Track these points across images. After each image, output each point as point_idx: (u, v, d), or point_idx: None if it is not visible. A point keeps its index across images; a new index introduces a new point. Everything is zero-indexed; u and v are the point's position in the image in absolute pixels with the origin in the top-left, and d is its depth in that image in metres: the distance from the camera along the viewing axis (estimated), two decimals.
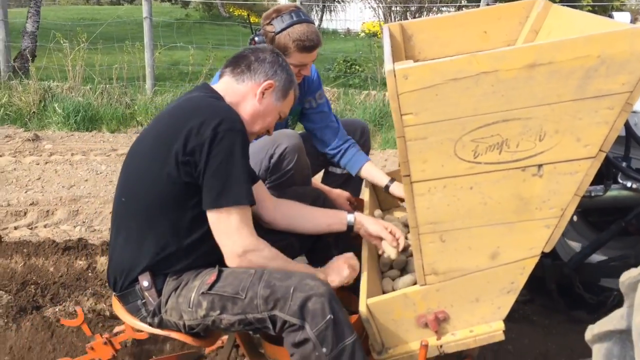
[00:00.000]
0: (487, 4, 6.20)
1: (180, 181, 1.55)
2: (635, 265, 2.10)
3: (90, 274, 2.98)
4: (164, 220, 1.59)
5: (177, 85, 6.71)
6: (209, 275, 1.57)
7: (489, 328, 1.62)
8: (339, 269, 1.74)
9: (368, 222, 1.94)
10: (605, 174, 1.96)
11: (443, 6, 7.85)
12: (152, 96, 6.46)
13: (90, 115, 5.96)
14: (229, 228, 1.55)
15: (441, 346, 1.64)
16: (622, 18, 2.18)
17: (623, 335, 1.22)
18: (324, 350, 1.46)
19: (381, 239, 1.90)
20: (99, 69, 6.53)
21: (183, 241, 1.60)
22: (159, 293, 1.60)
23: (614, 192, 1.96)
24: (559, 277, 2.27)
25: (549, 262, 2.22)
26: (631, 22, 2.10)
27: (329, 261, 1.79)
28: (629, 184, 1.92)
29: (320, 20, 10.85)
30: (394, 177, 2.40)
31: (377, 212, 2.33)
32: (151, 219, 1.60)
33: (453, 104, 1.38)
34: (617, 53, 1.31)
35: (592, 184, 1.59)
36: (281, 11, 2.24)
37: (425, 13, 8.19)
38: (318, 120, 2.52)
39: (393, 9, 8.06)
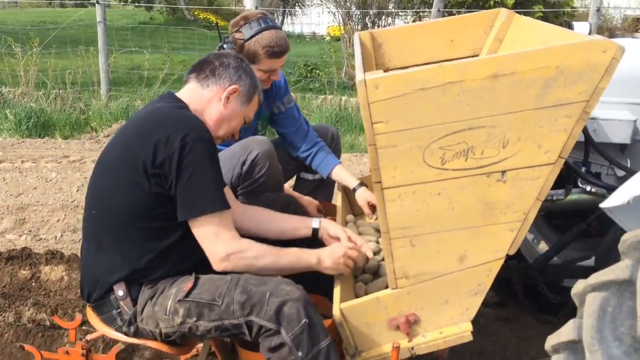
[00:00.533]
0: (439, 10, 6.32)
1: (151, 192, 1.57)
2: (597, 267, 2.19)
3: (34, 284, 2.95)
4: (136, 230, 1.60)
5: (133, 90, 6.65)
6: (185, 283, 1.59)
7: (458, 329, 1.67)
8: (336, 259, 1.74)
9: (332, 228, 1.95)
10: (566, 178, 2.04)
11: (401, 11, 7.97)
12: (106, 101, 6.40)
13: (43, 121, 5.88)
14: (208, 235, 1.58)
15: (412, 348, 1.68)
16: (581, 29, 2.27)
17: (577, 345, 1.30)
18: (300, 354, 1.49)
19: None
20: (53, 74, 6.43)
21: (156, 250, 1.62)
22: (134, 302, 1.61)
23: (574, 195, 2.04)
24: (525, 278, 2.35)
25: (514, 263, 2.29)
26: (590, 33, 2.19)
27: (329, 245, 1.81)
28: (588, 188, 2.00)
29: (282, 24, 10.93)
30: (364, 182, 2.45)
31: (350, 217, 2.37)
32: (123, 229, 1.61)
33: (421, 113, 1.44)
34: (574, 64, 1.39)
35: (553, 187, 1.66)
36: (249, 18, 2.27)
37: (384, 18, 8.30)
38: (288, 124, 2.56)
39: (351, 13, 8.15)
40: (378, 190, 1.52)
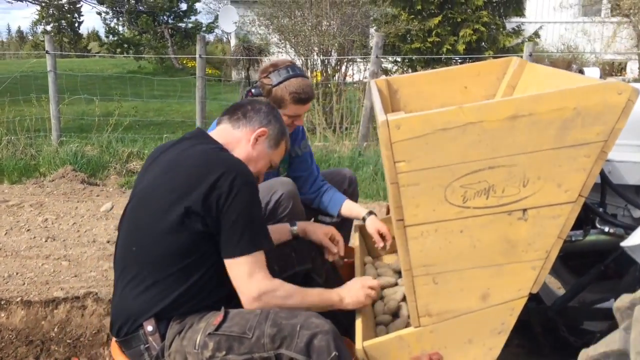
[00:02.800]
0: (377, 56, 6.54)
1: (195, 230, 1.62)
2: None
3: None
4: (173, 268, 1.65)
5: (83, 136, 6.84)
6: (215, 317, 1.61)
7: None
8: (356, 292, 1.80)
9: (312, 232, 2.17)
10: (584, 219, 2.06)
11: (362, 57, 8.17)
12: (57, 147, 6.55)
13: None
14: (243, 275, 1.64)
15: None
16: (592, 73, 2.34)
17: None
18: None
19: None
20: (6, 121, 6.65)
21: (187, 285, 1.65)
22: (162, 337, 1.63)
23: (592, 236, 2.06)
24: (544, 321, 2.33)
25: (534, 305, 2.29)
26: (600, 77, 2.26)
27: (346, 283, 1.87)
28: (606, 229, 2.02)
29: (247, 70, 11.27)
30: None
31: (368, 258, 2.39)
32: (162, 267, 1.65)
33: (442, 152, 1.48)
34: (591, 105, 1.44)
35: (572, 229, 1.69)
36: (278, 65, 2.37)
37: (345, 63, 8.48)
38: (301, 168, 2.63)
39: (312, 60, 8.37)
40: (400, 228, 1.55)
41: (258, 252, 1.66)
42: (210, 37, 22.13)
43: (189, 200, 1.61)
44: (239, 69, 12.91)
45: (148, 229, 1.68)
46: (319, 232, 2.19)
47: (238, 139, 1.83)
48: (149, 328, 1.62)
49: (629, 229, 1.93)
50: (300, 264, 2.04)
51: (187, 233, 1.62)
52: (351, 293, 1.80)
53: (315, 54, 8.48)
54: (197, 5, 21.47)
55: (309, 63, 8.39)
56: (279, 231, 2.09)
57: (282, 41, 9.15)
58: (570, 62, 10.70)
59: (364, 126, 6.68)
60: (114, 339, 1.74)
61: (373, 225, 2.41)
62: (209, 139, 1.82)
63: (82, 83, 8.43)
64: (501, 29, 10.33)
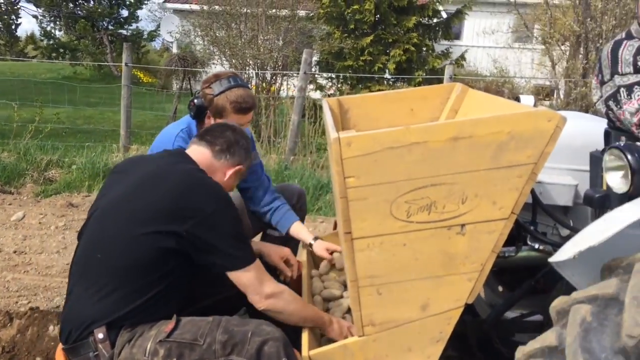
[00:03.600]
0: (305, 72, 6.70)
1: (165, 247, 1.67)
2: (544, 322, 2.33)
3: None
4: (137, 280, 1.68)
5: (2, 142, 6.66)
6: (167, 324, 1.63)
7: None
8: (343, 326, 1.94)
9: (267, 254, 2.27)
10: (517, 236, 2.21)
11: (295, 73, 8.37)
12: None
13: None
14: (254, 280, 1.75)
15: None
16: (527, 101, 2.52)
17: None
18: None
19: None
20: None
21: (146, 298, 1.68)
22: (112, 345, 1.64)
23: (524, 253, 2.21)
24: (479, 333, 2.46)
25: (470, 318, 2.41)
26: (535, 104, 2.43)
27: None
28: (536, 246, 2.18)
29: (182, 81, 11.32)
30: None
31: (314, 271, 2.46)
32: (126, 277, 1.67)
33: (389, 169, 1.58)
34: (524, 130, 1.57)
35: (505, 245, 1.82)
36: (220, 76, 2.42)
37: (279, 77, 8.64)
38: (251, 179, 2.66)
39: (247, 73, 8.49)
40: (348, 240, 1.63)
41: (257, 262, 1.77)
42: (157, 45, 21.83)
43: (172, 218, 1.66)
44: (176, 79, 12.77)
45: (116, 237, 1.70)
46: (275, 255, 2.28)
47: (215, 168, 1.91)
48: (100, 335, 1.63)
49: (557, 246, 2.08)
50: None
51: (158, 248, 1.66)
52: (341, 326, 1.92)
53: (250, 67, 8.56)
54: (140, 13, 21.18)
55: (244, 77, 8.46)
56: None
57: (218, 53, 9.16)
58: (501, 86, 11.25)
59: (292, 140, 6.78)
60: (60, 347, 1.72)
61: (320, 247, 2.47)
62: (189, 159, 1.87)
63: (12, 88, 8.16)
64: (431, 51, 10.76)
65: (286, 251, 2.32)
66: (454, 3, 12.36)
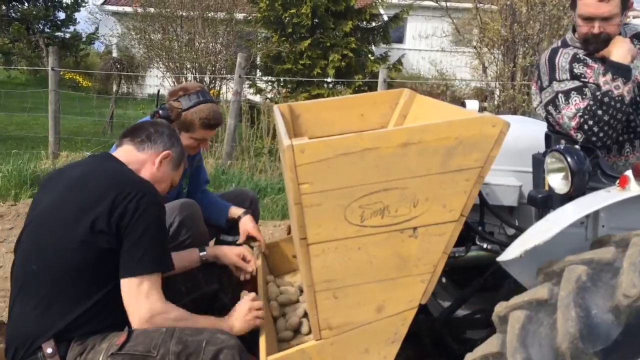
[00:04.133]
0: (240, 76, 6.77)
1: (98, 248, 1.63)
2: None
3: None
4: (73, 287, 1.64)
5: None
6: (118, 337, 1.61)
7: None
8: (242, 316, 1.86)
9: (223, 255, 2.23)
10: (466, 237, 2.29)
11: (229, 76, 8.38)
12: None
13: None
14: (139, 294, 1.65)
15: None
16: (472, 105, 2.61)
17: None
18: None
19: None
20: None
21: (88, 305, 1.64)
22: (63, 359, 1.59)
23: (473, 253, 2.29)
24: (432, 332, 2.53)
25: (423, 318, 2.48)
26: (479, 109, 2.52)
27: (233, 308, 1.90)
28: (485, 246, 2.26)
29: (119, 86, 11.17)
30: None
31: (270, 276, 2.46)
32: (62, 286, 1.63)
33: (343, 175, 1.61)
34: (470, 136, 1.63)
35: (455, 246, 1.88)
36: (188, 90, 2.43)
37: (218, 81, 8.66)
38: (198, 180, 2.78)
39: (184, 77, 8.46)
40: (304, 246, 1.65)
41: (156, 274, 1.69)
42: (100, 48, 21.13)
43: (95, 216, 1.62)
44: (111, 83, 12.44)
45: (50, 246, 1.66)
46: (231, 255, 2.26)
47: (142, 160, 1.87)
48: (49, 350, 1.59)
49: (503, 246, 2.17)
50: (207, 284, 2.08)
51: (90, 250, 1.63)
52: (239, 320, 1.85)
53: (187, 71, 8.48)
54: (79, 15, 20.50)
55: (182, 81, 8.37)
56: (187, 258, 2.12)
57: (153, 57, 9.03)
58: (444, 90, 11.55)
59: (229, 144, 6.79)
60: None
61: (244, 225, 2.53)
62: (114, 159, 1.84)
63: None
64: (369, 55, 10.93)
65: (241, 249, 2.31)
66: (392, 7, 12.63)
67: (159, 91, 6.62)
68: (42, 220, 1.74)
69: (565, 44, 2.20)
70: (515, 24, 8.69)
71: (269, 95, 10.87)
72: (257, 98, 10.77)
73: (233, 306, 1.90)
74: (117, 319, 1.67)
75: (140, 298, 1.65)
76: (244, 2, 10.59)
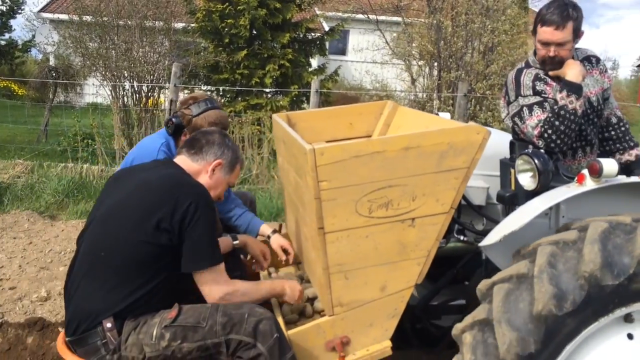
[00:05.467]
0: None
1: (159, 244, 1.87)
2: (468, 305, 2.74)
3: None
4: (137, 274, 1.87)
5: None
6: (169, 312, 1.85)
7: (381, 346, 2.09)
8: (295, 287, 2.19)
9: (250, 245, 2.55)
10: (447, 230, 2.62)
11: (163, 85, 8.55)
12: None
13: None
14: (210, 282, 1.93)
15: None
16: (444, 116, 2.97)
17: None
18: None
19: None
20: None
21: (146, 290, 1.88)
22: (119, 333, 1.82)
23: (452, 244, 2.63)
24: (412, 317, 2.84)
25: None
26: (452, 118, 2.88)
27: (288, 280, 2.24)
28: (461, 237, 2.60)
29: (54, 94, 11.08)
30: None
31: (271, 269, 2.72)
32: (127, 272, 1.87)
33: (355, 174, 1.91)
34: (459, 141, 1.97)
35: None
36: (197, 98, 2.67)
37: (156, 90, 8.77)
38: None
39: (121, 86, 8.50)
40: (321, 234, 1.94)
41: (220, 263, 1.97)
42: (38, 56, 20.55)
43: (159, 217, 1.86)
44: (47, 91, 12.18)
45: (118, 238, 1.88)
46: (257, 248, 2.56)
47: (197, 171, 2.13)
48: (108, 325, 1.81)
49: (479, 237, 2.51)
50: (231, 271, 2.33)
51: (153, 245, 1.86)
52: (293, 289, 2.17)
53: (125, 80, 8.48)
54: (15, 23, 19.81)
55: (118, 89, 8.36)
56: (222, 243, 2.34)
57: (90, 65, 8.94)
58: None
59: None
60: (63, 340, 1.87)
61: (277, 242, 2.73)
62: (176, 166, 2.10)
63: None
64: (306, 67, 11.24)
65: (265, 247, 2.59)
66: (334, 20, 13.05)
67: (172, 101, 6.64)
68: (112, 214, 1.96)
69: (528, 65, 2.59)
70: (442, 41, 9.26)
71: None
72: None
73: None
74: (167, 302, 1.91)
75: (213, 286, 1.93)
76: (182, 12, 10.68)
